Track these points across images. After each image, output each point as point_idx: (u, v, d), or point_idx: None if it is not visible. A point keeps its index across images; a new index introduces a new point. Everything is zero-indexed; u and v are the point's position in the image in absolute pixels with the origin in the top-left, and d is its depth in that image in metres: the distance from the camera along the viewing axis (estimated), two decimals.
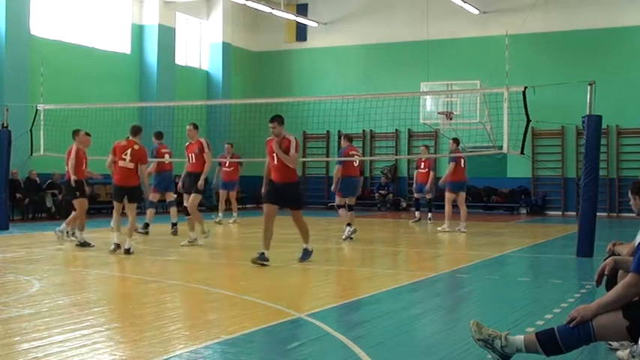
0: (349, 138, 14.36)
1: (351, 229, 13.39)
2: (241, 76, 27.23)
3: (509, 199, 24.00)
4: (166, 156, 14.75)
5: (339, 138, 19.65)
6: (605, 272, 4.68)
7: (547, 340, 4.34)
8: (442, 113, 22.10)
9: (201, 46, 26.29)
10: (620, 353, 4.87)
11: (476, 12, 24.09)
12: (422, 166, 18.02)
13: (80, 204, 12.27)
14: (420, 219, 18.49)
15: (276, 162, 9.92)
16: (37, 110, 16.62)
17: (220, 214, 17.44)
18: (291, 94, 25.86)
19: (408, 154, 24.89)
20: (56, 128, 16.74)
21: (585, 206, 11.27)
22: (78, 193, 12.26)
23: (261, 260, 9.67)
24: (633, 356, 4.63)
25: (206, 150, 12.42)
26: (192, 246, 12.18)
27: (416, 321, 6.57)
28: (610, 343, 5.02)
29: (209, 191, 19.86)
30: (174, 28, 24.12)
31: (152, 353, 5.06)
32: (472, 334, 4.60)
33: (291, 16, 26.08)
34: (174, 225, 14.32)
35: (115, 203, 11.53)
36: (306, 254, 10.26)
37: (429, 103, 22.38)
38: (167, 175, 14.66)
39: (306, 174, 26.83)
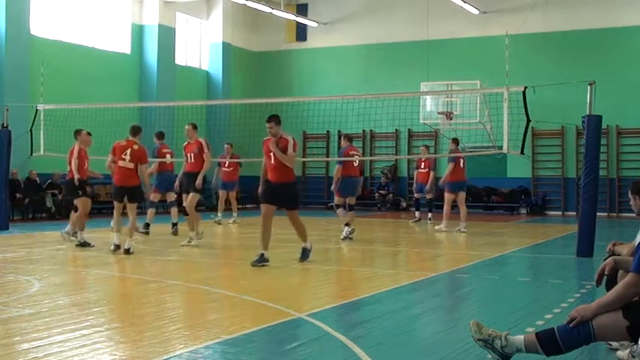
0: (349, 138, 14.36)
1: (350, 229, 13.39)
2: (241, 76, 27.23)
3: (509, 199, 24.00)
4: (168, 156, 14.76)
5: (339, 138, 19.65)
6: (605, 272, 4.68)
7: (547, 340, 4.34)
8: (442, 113, 22.10)
9: (201, 46, 26.30)
10: (620, 353, 4.87)
11: (476, 12, 24.09)
12: (422, 166, 18.02)
13: (83, 203, 12.28)
14: (420, 219, 18.49)
15: (273, 161, 9.88)
16: (37, 110, 16.62)
17: (220, 214, 17.43)
18: (291, 94, 25.85)
19: (408, 154, 24.89)
20: (56, 128, 16.75)
21: (585, 206, 11.27)
22: (80, 192, 12.27)
23: (261, 262, 9.66)
24: (633, 356, 4.63)
25: (206, 150, 12.42)
26: (192, 246, 12.17)
27: (416, 321, 6.57)
28: (610, 343, 5.02)
29: (209, 191, 19.88)
30: (174, 28, 24.13)
31: (152, 353, 5.06)
32: (472, 334, 4.60)
33: (291, 16, 26.08)
34: (174, 225, 14.32)
35: (115, 203, 11.54)
36: (306, 253, 10.25)
37: (429, 103, 22.38)
38: (168, 176, 14.66)
39: (306, 174, 26.85)
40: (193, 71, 25.79)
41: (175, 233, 14.11)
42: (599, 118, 11.35)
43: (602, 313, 4.25)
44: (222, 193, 17.89)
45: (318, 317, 6.31)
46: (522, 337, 4.47)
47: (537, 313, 6.68)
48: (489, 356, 4.58)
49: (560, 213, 23.39)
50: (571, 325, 4.28)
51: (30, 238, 14.15)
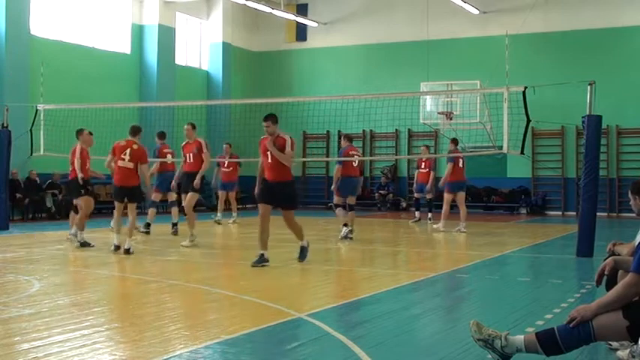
0: (349, 138, 14.36)
1: (348, 230, 13.40)
2: (241, 76, 27.24)
3: (509, 199, 24.00)
4: (169, 156, 14.77)
5: (339, 138, 19.65)
6: (605, 272, 4.68)
7: (547, 340, 4.34)
8: (442, 113, 22.11)
9: (201, 46, 26.30)
10: (620, 353, 4.87)
11: (476, 12, 24.09)
12: (422, 166, 18.02)
13: (86, 202, 12.27)
14: (420, 219, 18.50)
15: (270, 160, 9.83)
16: (37, 110, 16.62)
17: (219, 214, 17.43)
18: (291, 94, 25.86)
19: (408, 154, 24.90)
20: (56, 128, 16.76)
21: (585, 206, 11.27)
22: (83, 192, 12.27)
23: (261, 262, 9.65)
24: (633, 356, 4.63)
25: (205, 150, 12.42)
26: (192, 246, 12.18)
27: (416, 321, 6.57)
28: (610, 343, 5.02)
29: (209, 191, 19.87)
30: (174, 28, 24.13)
31: (152, 353, 5.06)
32: (472, 334, 4.60)
33: (291, 16, 26.08)
34: (174, 225, 14.32)
35: (115, 203, 11.55)
36: (304, 252, 10.20)
37: (429, 103, 22.38)
38: (169, 175, 14.65)
39: (306, 174, 26.86)
40: (193, 71, 25.79)
41: (175, 233, 14.11)
42: (599, 118, 11.35)
43: (602, 313, 4.25)
44: (221, 193, 17.90)
45: (318, 317, 6.31)
46: (522, 337, 4.47)
47: (537, 313, 6.68)
48: (489, 356, 4.58)
49: (560, 213, 23.40)
50: (571, 325, 4.28)
51: (30, 238, 14.15)
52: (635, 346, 4.54)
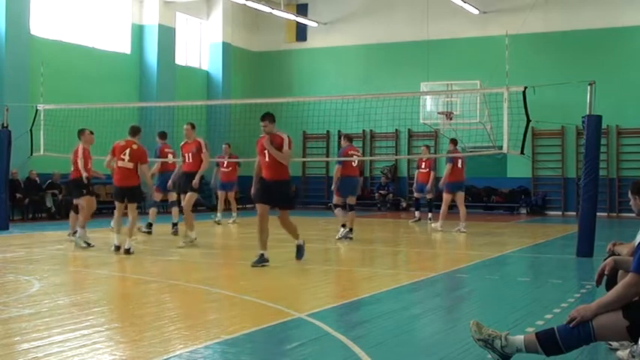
0: (349, 138, 14.36)
1: (345, 231, 13.43)
2: (241, 76, 27.23)
3: (509, 199, 24.00)
4: (170, 156, 14.77)
5: (339, 138, 19.65)
6: (605, 272, 4.68)
7: (547, 340, 4.34)
8: (442, 113, 22.11)
9: (201, 46, 26.29)
10: (620, 353, 4.87)
11: (476, 12, 24.09)
12: (423, 166, 18.02)
13: (88, 202, 12.27)
14: (419, 219, 18.50)
15: (267, 159, 9.81)
16: (37, 110, 16.61)
17: (219, 215, 17.43)
18: (291, 94, 25.86)
19: (408, 154, 24.90)
20: (56, 128, 16.75)
21: (585, 206, 11.26)
22: (85, 191, 12.26)
23: (261, 262, 9.65)
24: (633, 356, 4.63)
25: (204, 150, 12.40)
26: (192, 245, 12.18)
27: (416, 321, 6.57)
28: (610, 343, 5.02)
29: (208, 191, 19.87)
30: (174, 28, 24.13)
31: (152, 353, 5.06)
32: (472, 334, 4.60)
33: (291, 16, 26.08)
34: (174, 225, 14.32)
35: (116, 203, 11.55)
36: (301, 250, 10.18)
37: (429, 103, 22.38)
38: (170, 175, 14.67)
39: (306, 174, 26.86)
40: (193, 71, 25.79)
41: (175, 233, 14.11)
42: (599, 118, 11.35)
43: (602, 313, 4.25)
44: (221, 193, 17.89)
45: (318, 317, 6.31)
46: (522, 337, 4.47)
47: (537, 313, 6.68)
48: (489, 356, 4.58)
49: (560, 213, 23.40)
50: (571, 325, 4.28)
51: (30, 238, 14.15)
52: (635, 346, 4.54)
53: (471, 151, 20.00)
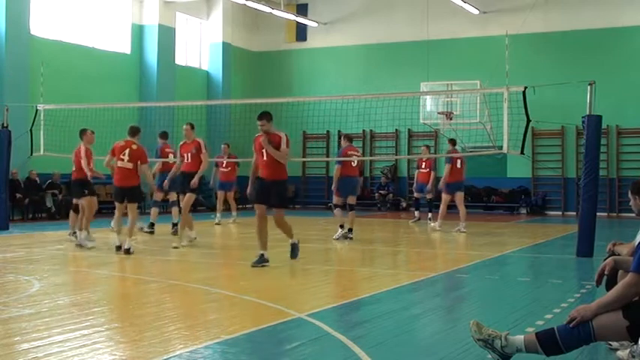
0: (349, 138, 14.36)
1: (342, 232, 13.45)
2: (241, 76, 27.23)
3: (509, 199, 24.00)
4: (170, 156, 14.77)
5: (339, 138, 19.65)
6: (605, 272, 4.68)
7: (547, 340, 4.34)
8: (442, 113, 22.11)
9: (201, 46, 26.30)
10: (620, 353, 4.87)
11: (476, 12, 24.09)
12: (423, 166, 18.00)
13: (89, 203, 12.26)
14: (419, 219, 18.50)
15: (265, 158, 9.76)
16: (37, 110, 16.61)
17: (219, 215, 17.43)
18: (291, 94, 25.86)
19: (408, 154, 24.90)
20: (56, 128, 16.75)
21: (585, 206, 11.26)
22: (87, 192, 12.26)
23: (261, 262, 9.64)
24: (633, 356, 4.63)
25: (203, 151, 12.38)
26: (192, 245, 12.18)
27: (416, 321, 6.57)
28: (610, 343, 5.02)
29: (208, 191, 19.87)
30: (174, 28, 24.13)
31: (152, 353, 5.06)
32: (472, 334, 4.60)
33: (291, 16, 26.08)
34: (174, 225, 14.31)
35: (116, 203, 11.56)
36: (295, 250, 10.12)
37: (429, 103, 22.38)
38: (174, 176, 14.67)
39: (306, 174, 26.87)
40: (193, 71, 25.79)
41: (175, 233, 14.07)
42: (599, 118, 11.35)
43: (602, 313, 4.25)
44: (220, 193, 17.88)
45: (318, 317, 6.31)
46: (522, 337, 4.47)
47: (537, 313, 6.68)
48: (489, 356, 4.58)
49: (560, 213, 23.40)
50: (571, 325, 4.28)
51: (30, 238, 14.15)
52: (635, 346, 4.54)
53: (470, 151, 20.00)
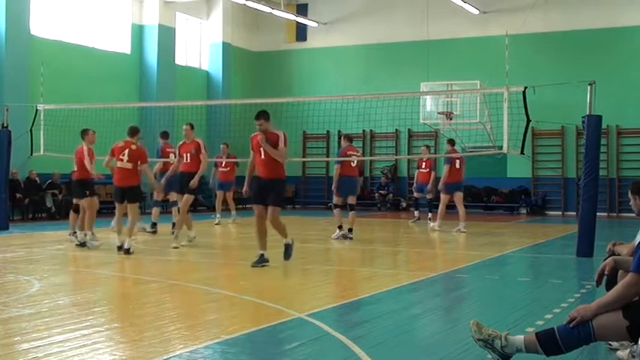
0: (349, 138, 14.37)
1: (340, 233, 13.47)
2: (241, 76, 27.23)
3: (509, 199, 24.00)
4: (171, 155, 14.77)
5: (339, 138, 19.66)
6: (605, 272, 4.68)
7: (547, 340, 4.34)
8: (442, 113, 22.11)
9: (201, 46, 26.30)
10: (620, 353, 4.87)
11: (476, 12, 24.09)
12: (423, 166, 18.00)
13: (90, 203, 12.26)
14: (419, 218, 18.50)
15: (263, 157, 9.69)
16: (37, 110, 16.62)
17: (218, 215, 17.43)
18: (291, 94, 25.86)
19: (408, 154, 24.90)
20: (56, 128, 16.76)
21: (585, 206, 11.26)
22: (88, 192, 12.26)
23: (261, 262, 9.63)
24: (633, 356, 4.63)
25: (203, 151, 12.37)
26: (192, 245, 12.18)
27: (416, 321, 6.57)
28: (610, 343, 5.02)
29: (208, 191, 19.87)
30: (174, 28, 24.13)
31: (152, 353, 5.06)
32: (472, 334, 4.60)
33: (291, 16, 26.08)
34: (174, 225, 14.31)
35: (116, 204, 11.56)
36: (289, 250, 9.89)
37: (429, 103, 22.38)
38: (172, 175, 14.66)
39: (306, 174, 26.87)
40: (193, 71, 25.79)
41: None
42: (599, 118, 11.35)
43: (602, 313, 4.25)
44: (219, 193, 17.87)
45: (318, 317, 6.31)
46: (522, 337, 4.47)
47: (537, 313, 6.68)
48: (489, 356, 4.58)
49: (560, 213, 23.40)
50: (571, 325, 4.28)
51: (30, 238, 14.15)
52: (635, 346, 4.54)
53: (471, 151, 20.00)
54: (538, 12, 23.42)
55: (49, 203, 19.02)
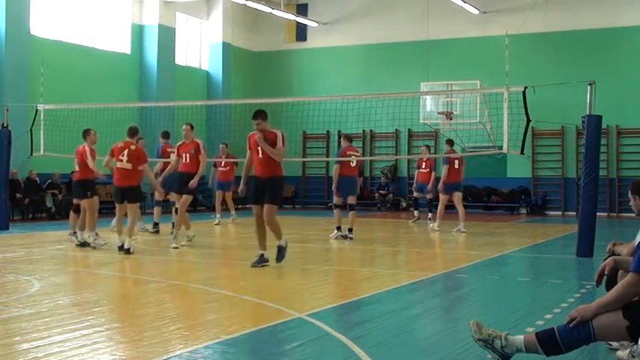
0: (349, 138, 14.37)
1: (338, 233, 13.47)
2: (241, 76, 27.23)
3: (509, 199, 24.00)
4: (172, 155, 14.77)
5: (339, 138, 19.65)
6: (605, 272, 4.68)
7: (547, 340, 4.34)
8: (442, 113, 22.11)
9: (201, 46, 26.30)
10: (620, 353, 4.87)
11: (476, 12, 24.09)
12: (423, 166, 18.00)
13: (90, 204, 12.26)
14: (419, 218, 18.50)
15: (261, 156, 9.66)
16: (37, 110, 16.62)
17: (218, 215, 17.43)
18: (291, 94, 25.86)
19: (408, 154, 24.90)
20: (56, 128, 16.76)
21: (585, 206, 11.26)
22: (90, 193, 12.26)
23: (261, 262, 9.62)
24: (633, 356, 4.63)
25: (202, 152, 12.37)
26: (192, 245, 12.18)
27: (416, 321, 6.57)
28: (610, 343, 5.02)
29: (208, 191, 19.87)
30: (174, 28, 24.13)
31: (152, 353, 5.06)
32: (472, 334, 4.60)
33: (291, 16, 26.08)
34: (174, 225, 14.30)
35: (116, 204, 11.56)
36: (282, 252, 9.80)
37: (429, 103, 22.38)
38: (172, 175, 14.65)
39: (306, 174, 26.87)
40: (193, 71, 25.79)
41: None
42: (599, 118, 11.35)
43: (602, 313, 4.25)
44: (218, 193, 17.87)
45: (318, 317, 6.31)
46: (522, 337, 4.47)
47: (537, 313, 6.68)
48: (489, 356, 4.58)
49: (560, 213, 23.39)
50: (571, 325, 4.28)
51: (30, 238, 14.15)
52: (635, 346, 4.54)
53: (470, 151, 20.00)
54: (538, 12, 23.42)
55: (49, 203, 19.02)
